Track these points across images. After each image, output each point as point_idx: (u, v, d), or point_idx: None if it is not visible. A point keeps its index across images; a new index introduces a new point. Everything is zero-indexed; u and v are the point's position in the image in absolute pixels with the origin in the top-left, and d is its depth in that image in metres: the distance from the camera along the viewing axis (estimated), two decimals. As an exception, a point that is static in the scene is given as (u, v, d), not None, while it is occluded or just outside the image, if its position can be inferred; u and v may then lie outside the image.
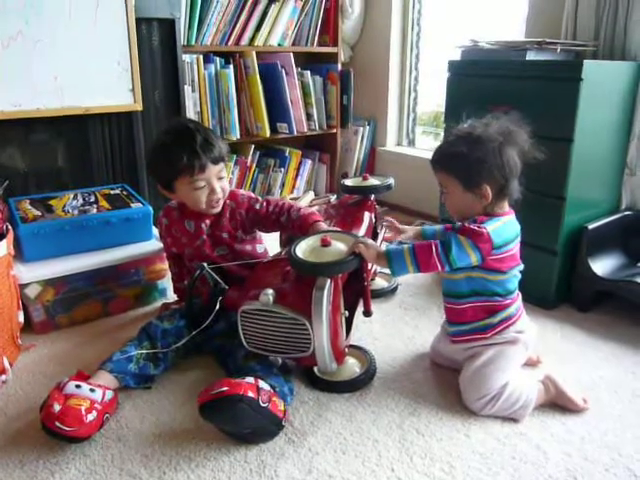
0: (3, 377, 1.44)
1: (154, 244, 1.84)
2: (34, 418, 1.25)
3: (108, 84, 1.90)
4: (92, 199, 1.87)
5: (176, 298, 1.80)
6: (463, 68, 1.94)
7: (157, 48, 2.01)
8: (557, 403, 1.33)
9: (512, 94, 1.77)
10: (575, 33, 1.92)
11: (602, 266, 1.78)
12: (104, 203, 1.84)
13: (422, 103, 2.89)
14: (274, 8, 2.42)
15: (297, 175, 2.75)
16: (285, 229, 1.61)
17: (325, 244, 1.34)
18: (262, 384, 1.23)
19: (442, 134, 2.09)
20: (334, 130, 2.76)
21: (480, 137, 1.27)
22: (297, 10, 2.51)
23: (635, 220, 1.89)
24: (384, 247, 1.33)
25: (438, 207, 2.12)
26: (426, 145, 2.85)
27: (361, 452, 1.20)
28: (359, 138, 2.85)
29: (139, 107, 1.97)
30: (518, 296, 1.39)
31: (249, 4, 2.36)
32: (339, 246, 1.34)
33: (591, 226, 1.76)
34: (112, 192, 1.95)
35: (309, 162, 2.78)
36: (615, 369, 1.49)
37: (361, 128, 2.85)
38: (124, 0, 1.84)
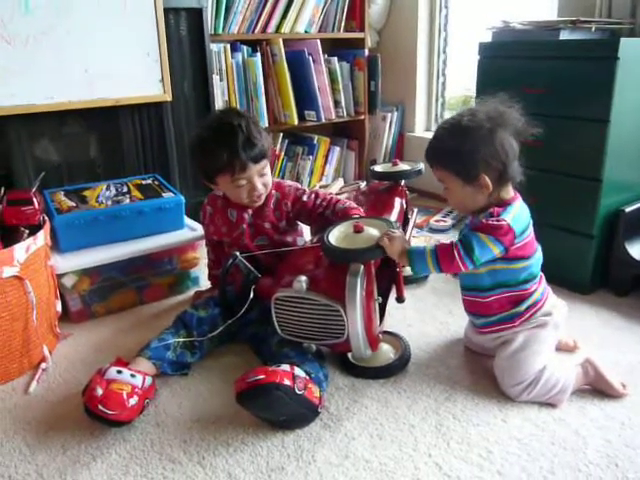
0: (43, 365, 1.47)
1: (186, 233, 1.85)
2: (75, 404, 1.29)
3: (138, 75, 1.92)
4: (125, 189, 1.90)
5: (209, 286, 1.82)
6: (494, 50, 1.91)
7: (185, 38, 2.02)
8: (596, 387, 1.31)
9: (545, 75, 1.73)
10: (610, 11, 1.86)
11: (639, 250, 1.74)
12: (136, 193, 1.86)
13: (450, 87, 2.85)
14: (300, -6, 2.41)
15: (325, 162, 2.74)
16: (328, 223, 1.59)
17: (358, 230, 1.33)
18: (298, 371, 1.23)
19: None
20: (362, 116, 2.74)
21: (468, 127, 1.23)
22: (323, -4, 2.49)
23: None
24: (411, 243, 1.30)
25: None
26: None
27: (397, 437, 1.20)
28: (387, 124, 2.82)
29: (168, 97, 1.98)
30: (542, 279, 1.37)
31: (275, -9, 2.35)
32: (372, 232, 1.33)
33: (628, 209, 1.72)
34: (144, 182, 1.97)
35: (337, 149, 2.76)
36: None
37: (389, 114, 2.82)
38: (153, -6, 1.85)
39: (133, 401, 1.23)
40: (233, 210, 1.60)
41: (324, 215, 1.57)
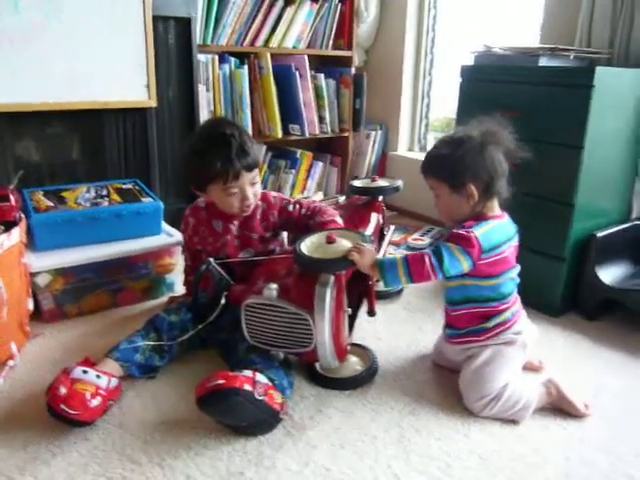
0: (11, 362, 1.46)
1: (163, 239, 1.86)
2: (39, 402, 1.27)
3: (124, 80, 1.94)
4: (104, 192, 1.90)
5: (183, 292, 1.82)
6: (475, 73, 1.95)
7: (173, 46, 2.04)
8: (558, 407, 1.33)
9: (524, 100, 1.77)
10: (590, 40, 1.92)
11: (610, 274, 1.77)
12: (115, 197, 1.87)
13: (435, 109, 2.90)
14: (290, 11, 2.45)
15: (308, 177, 2.76)
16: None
17: (330, 241, 1.35)
18: (259, 377, 1.24)
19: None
20: (346, 133, 2.77)
21: (461, 138, 1.31)
22: (313, 13, 2.53)
23: (644, 229, 1.88)
24: (380, 256, 1.33)
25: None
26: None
27: (359, 448, 1.21)
28: (371, 142, 2.86)
29: (153, 103, 2.00)
30: (516, 300, 1.40)
31: (265, 6, 2.38)
32: (344, 244, 1.35)
33: (600, 234, 1.76)
34: (124, 186, 1.97)
35: (320, 164, 2.79)
36: (620, 378, 1.48)
37: (373, 132, 2.86)
38: (142, 1, 1.88)
39: (96, 402, 1.22)
40: (218, 221, 1.60)
41: (308, 224, 1.59)
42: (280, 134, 2.51)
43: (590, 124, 1.63)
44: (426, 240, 2.40)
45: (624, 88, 1.73)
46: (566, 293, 1.79)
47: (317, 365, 1.46)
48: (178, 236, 1.85)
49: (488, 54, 1.92)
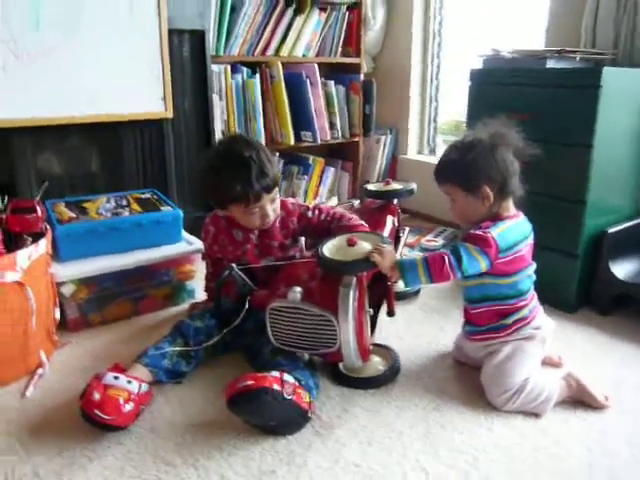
0: (40, 371, 1.50)
1: (184, 246, 1.90)
2: (72, 409, 1.31)
3: (141, 93, 1.98)
4: (124, 202, 1.94)
5: (204, 298, 1.85)
6: (484, 76, 1.99)
7: (187, 58, 2.09)
8: (579, 399, 1.36)
9: (532, 102, 1.81)
10: (594, 42, 1.96)
11: (622, 270, 1.80)
12: (136, 206, 1.91)
13: (443, 113, 2.94)
14: (299, 20, 2.50)
15: (320, 183, 2.81)
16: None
17: (351, 243, 1.38)
18: (287, 377, 1.27)
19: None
20: (357, 139, 2.82)
21: (471, 142, 1.35)
22: (321, 22, 2.58)
23: (655, 225, 1.91)
24: (398, 257, 1.36)
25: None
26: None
27: (387, 444, 1.24)
28: (381, 146, 2.90)
29: (170, 115, 2.04)
30: (533, 297, 1.43)
31: (275, 16, 2.44)
32: (365, 246, 1.39)
33: (611, 230, 1.79)
34: (143, 196, 2.02)
35: (332, 170, 2.83)
36: (638, 370, 1.51)
37: (383, 137, 2.90)
38: (157, 12, 1.93)
39: (129, 407, 1.26)
40: (239, 230, 1.63)
41: (330, 229, 1.61)
42: (292, 141, 2.55)
43: (599, 123, 1.67)
44: (439, 241, 2.44)
45: (630, 87, 1.77)
46: (580, 289, 1.82)
47: (341, 365, 1.49)
48: (198, 244, 1.88)
49: (496, 58, 1.95)
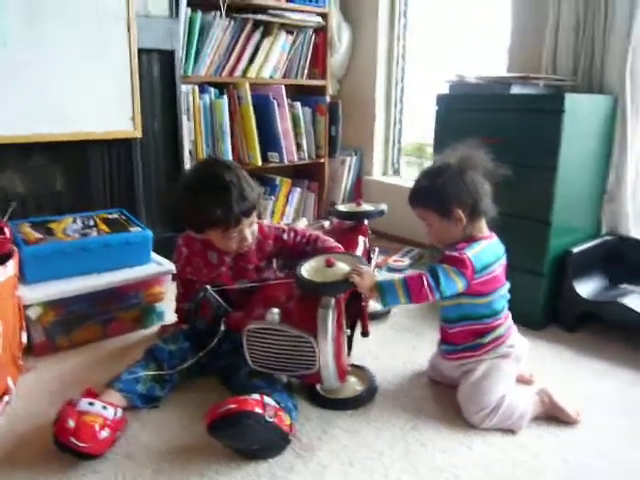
0: (6, 398, 1.43)
1: (153, 267, 1.86)
2: (42, 436, 1.27)
3: (109, 111, 1.95)
4: (91, 223, 1.90)
5: (174, 320, 1.82)
6: (450, 101, 2.05)
7: (157, 78, 2.07)
8: (551, 415, 1.39)
9: (498, 126, 1.87)
10: (555, 67, 2.05)
11: (586, 288, 1.86)
12: (103, 227, 1.87)
13: (405, 135, 3.01)
14: (266, 42, 2.52)
15: (286, 203, 2.81)
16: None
17: (329, 264, 1.39)
18: (267, 400, 1.26)
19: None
20: (322, 160, 2.85)
21: (439, 167, 1.41)
22: (287, 45, 2.61)
23: (615, 244, 1.99)
24: (377, 277, 1.38)
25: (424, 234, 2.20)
26: (410, 176, 2.95)
27: (368, 465, 1.24)
28: (346, 168, 2.94)
29: (139, 134, 2.01)
30: (507, 316, 1.47)
31: (243, 37, 2.45)
32: (342, 267, 1.40)
33: (576, 250, 1.86)
34: (110, 216, 1.97)
35: (298, 190, 2.84)
36: (606, 385, 1.56)
37: (348, 158, 2.94)
38: (127, 30, 1.91)
39: (105, 433, 1.22)
40: (214, 253, 1.61)
41: (305, 251, 1.62)
42: (260, 162, 2.56)
43: (562, 146, 1.74)
44: (406, 261, 2.47)
45: (591, 112, 1.86)
46: (547, 307, 1.88)
47: (318, 387, 1.49)
48: (167, 265, 1.86)
49: (462, 83, 2.02)
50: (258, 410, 1.19)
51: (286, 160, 2.64)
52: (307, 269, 1.41)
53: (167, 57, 2.08)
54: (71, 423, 1.18)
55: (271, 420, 1.21)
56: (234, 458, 1.24)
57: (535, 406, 1.38)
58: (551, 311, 1.90)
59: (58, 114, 1.87)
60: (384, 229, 2.86)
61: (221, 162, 1.54)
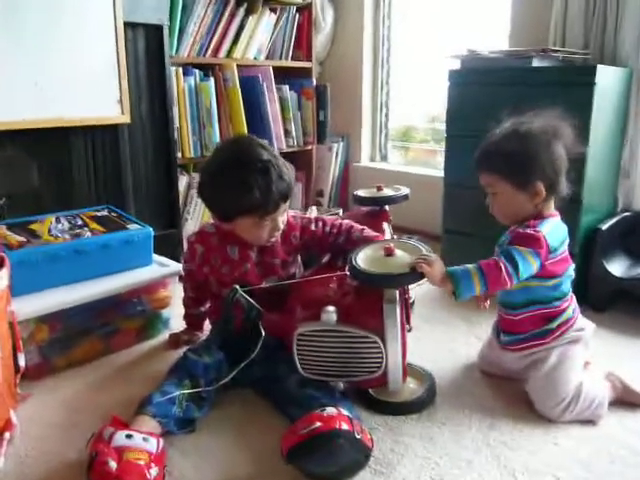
0: (7, 435, 1.19)
1: (156, 269, 1.65)
2: (61, 477, 1.04)
3: (93, 93, 1.70)
4: (79, 222, 1.65)
5: (182, 327, 1.62)
6: (464, 77, 1.94)
7: (142, 57, 1.83)
8: (623, 399, 1.31)
9: (520, 100, 1.73)
10: (565, 40, 1.98)
11: (615, 266, 1.81)
12: (95, 226, 1.63)
13: (392, 119, 2.89)
14: (251, 20, 2.32)
15: (272, 194, 2.63)
16: (341, 251, 1.46)
17: (389, 253, 1.24)
18: (346, 413, 1.09)
19: (444, 145, 2.06)
20: (309, 147, 2.68)
21: (529, 132, 1.25)
22: (271, 24, 2.42)
23: (632, 220, 1.95)
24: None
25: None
26: (398, 160, 2.84)
27: (459, 476, 1.10)
28: (333, 154, 2.78)
29: (127, 120, 1.77)
30: (573, 297, 1.37)
31: (226, 15, 2.24)
32: (403, 255, 1.25)
33: (604, 227, 1.80)
34: (99, 214, 1.73)
35: (284, 180, 2.66)
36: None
37: (335, 144, 2.79)
38: (112, 4, 1.66)
39: (154, 472, 1.02)
40: (234, 247, 1.42)
41: (337, 243, 1.46)
42: (248, 150, 2.35)
43: (592, 121, 1.67)
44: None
45: (613, 85, 1.80)
46: (576, 287, 1.80)
47: (371, 391, 1.33)
48: (173, 265, 1.66)
49: (475, 57, 1.91)
50: (345, 427, 1.03)
51: (276, 147, 2.44)
52: (363, 259, 1.25)
53: (155, 33, 1.84)
54: (112, 465, 0.98)
55: (359, 437, 1.05)
56: (305, 482, 1.07)
57: (609, 392, 1.29)
58: (579, 292, 1.82)
59: (34, 97, 1.60)
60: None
61: (255, 140, 1.36)
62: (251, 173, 1.27)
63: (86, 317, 1.50)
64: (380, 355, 1.21)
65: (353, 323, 1.21)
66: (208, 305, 1.59)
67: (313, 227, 1.49)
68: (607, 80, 1.74)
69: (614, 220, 1.88)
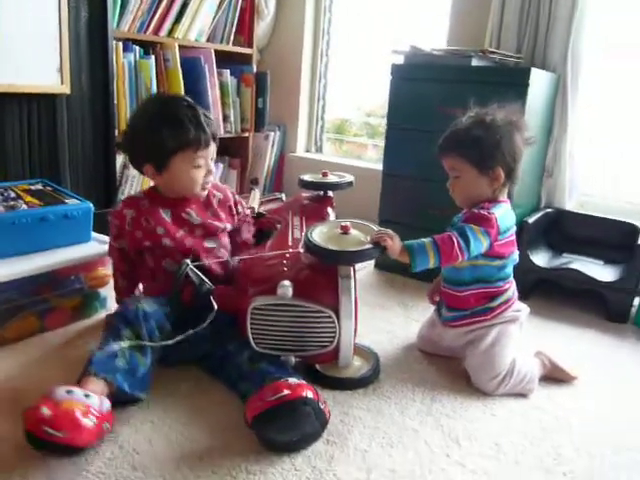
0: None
1: (96, 246, 1.59)
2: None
3: (31, 60, 1.61)
4: (12, 194, 1.56)
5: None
6: (406, 72, 2.01)
7: (84, 25, 1.75)
8: (551, 376, 1.42)
9: (458, 97, 1.82)
10: (499, 44, 2.11)
11: (538, 257, 1.95)
12: (31, 199, 1.55)
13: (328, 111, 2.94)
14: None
15: (206, 181, 2.59)
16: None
17: (345, 231, 1.28)
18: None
19: (379, 139, 2.12)
20: (247, 134, 2.66)
21: (494, 122, 1.34)
22: (215, 5, 2.39)
23: (554, 216, 2.11)
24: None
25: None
26: (332, 152, 2.90)
27: (408, 443, 1.15)
28: (270, 143, 2.78)
29: (67, 90, 1.69)
30: (513, 281, 1.46)
31: (170, -10, 2.19)
32: (357, 234, 1.29)
33: (530, 220, 1.93)
34: (33, 187, 1.64)
35: (220, 167, 2.63)
36: (584, 345, 1.65)
37: (272, 133, 2.79)
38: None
39: (89, 422, 0.99)
40: (167, 209, 1.42)
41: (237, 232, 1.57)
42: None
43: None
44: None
45: (543, 88, 1.94)
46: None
47: (318, 366, 1.36)
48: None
49: (418, 54, 1.99)
50: (311, 395, 1.06)
51: (214, 132, 2.41)
52: (319, 236, 1.27)
53: (99, 2, 1.76)
54: (46, 411, 0.95)
55: (322, 407, 1.08)
56: (263, 453, 1.08)
57: (538, 368, 1.40)
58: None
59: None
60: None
61: (171, 93, 1.45)
62: (180, 109, 1.35)
63: (21, 293, 1.43)
64: (334, 330, 1.24)
65: (309, 297, 1.24)
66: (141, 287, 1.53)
67: (240, 209, 1.57)
68: (539, 83, 1.87)
69: (538, 215, 2.03)
